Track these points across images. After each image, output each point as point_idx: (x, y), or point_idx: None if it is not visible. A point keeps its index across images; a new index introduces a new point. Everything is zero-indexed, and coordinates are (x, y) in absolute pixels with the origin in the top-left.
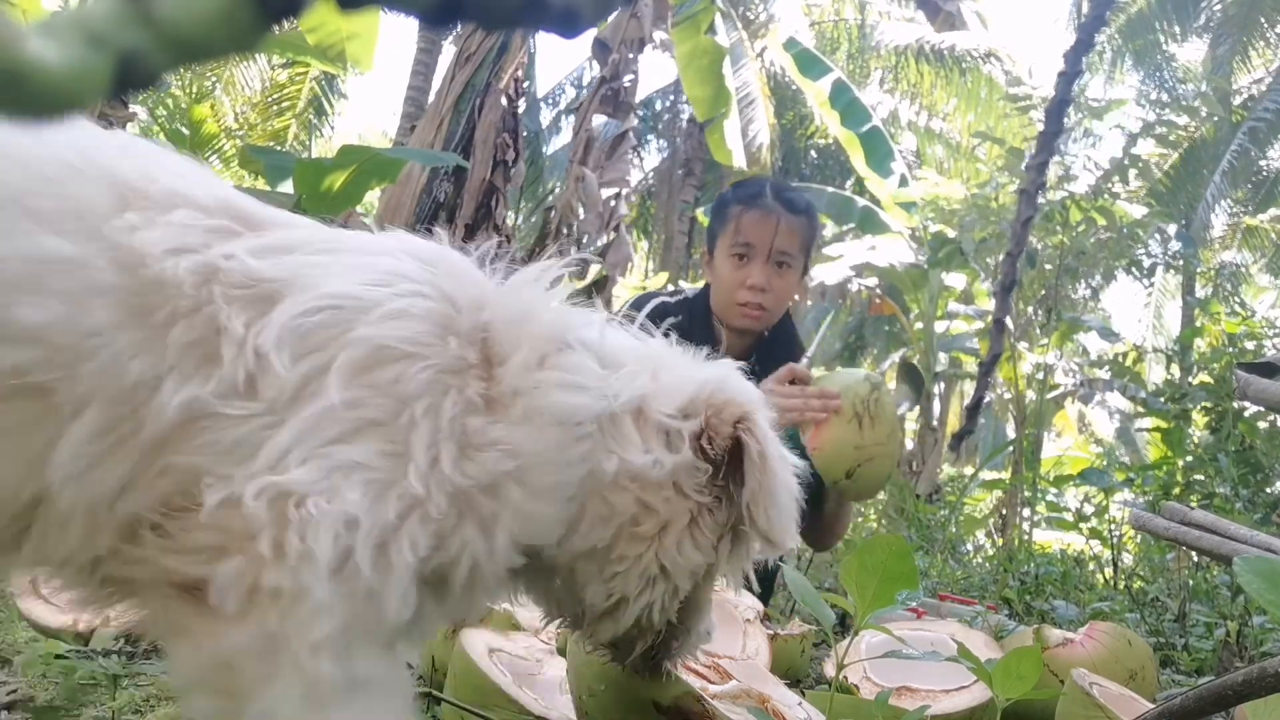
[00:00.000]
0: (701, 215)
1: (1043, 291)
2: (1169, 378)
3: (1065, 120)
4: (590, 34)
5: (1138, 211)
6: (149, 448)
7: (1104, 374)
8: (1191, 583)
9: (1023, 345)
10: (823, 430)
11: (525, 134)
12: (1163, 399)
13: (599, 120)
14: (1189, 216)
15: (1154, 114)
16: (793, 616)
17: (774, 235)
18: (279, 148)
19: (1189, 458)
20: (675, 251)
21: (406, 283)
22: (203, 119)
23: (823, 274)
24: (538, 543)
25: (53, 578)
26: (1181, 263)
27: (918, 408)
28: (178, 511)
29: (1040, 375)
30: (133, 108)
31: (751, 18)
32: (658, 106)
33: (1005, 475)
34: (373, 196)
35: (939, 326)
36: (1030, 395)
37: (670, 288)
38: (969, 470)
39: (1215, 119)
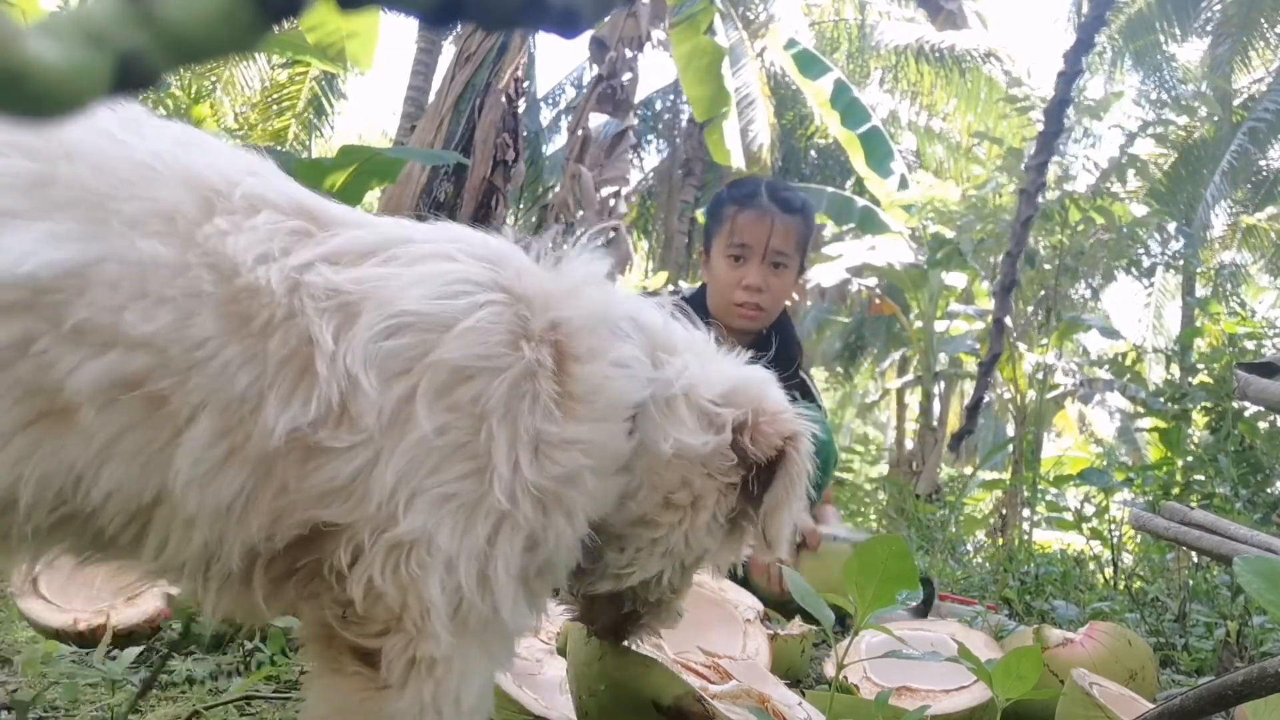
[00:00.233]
0: (701, 215)
1: (1042, 291)
2: (1169, 378)
3: (1065, 120)
4: (588, 33)
5: (1138, 211)
6: (260, 462)
7: (1104, 374)
8: (1191, 583)
9: (1023, 346)
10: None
11: (525, 134)
12: (1163, 399)
13: (597, 119)
14: (1189, 216)
15: (1153, 114)
16: (793, 616)
17: (769, 235)
18: (279, 148)
19: (1189, 458)
20: (675, 251)
21: (476, 291)
22: (202, 119)
23: (822, 274)
24: (601, 516)
25: (162, 577)
26: (1181, 263)
27: (919, 408)
28: (305, 555)
29: (1040, 375)
30: None
31: (751, 18)
32: (658, 106)
33: (1005, 475)
34: (373, 196)
35: (939, 326)
36: (1030, 395)
37: (670, 288)
38: (969, 470)
39: (1215, 119)
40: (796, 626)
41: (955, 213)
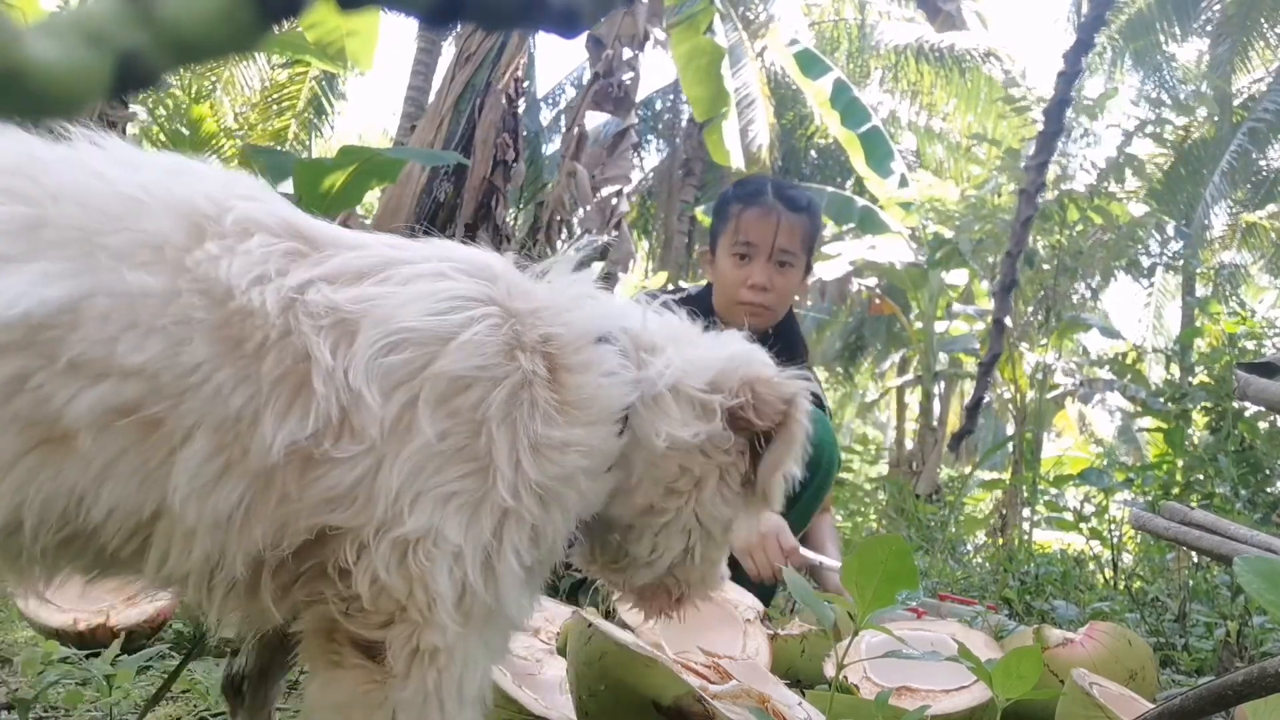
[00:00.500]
0: (702, 215)
1: (1041, 292)
2: (1169, 378)
3: (1065, 120)
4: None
5: (1137, 211)
6: (259, 475)
7: (1104, 374)
8: (1191, 583)
9: (1023, 346)
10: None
11: (525, 134)
12: (1163, 399)
13: (595, 117)
14: (1189, 216)
15: (1152, 113)
16: (793, 616)
17: (775, 234)
18: (279, 148)
19: (1189, 458)
20: (675, 251)
21: (471, 307)
22: (202, 118)
23: (822, 273)
24: (593, 513)
25: (167, 589)
26: (1181, 263)
27: (919, 408)
28: (310, 558)
29: (1040, 375)
30: (133, 108)
31: (751, 18)
32: (658, 106)
33: (1005, 475)
34: (373, 196)
35: (939, 326)
36: (1030, 395)
37: (670, 287)
38: (969, 470)
39: (1215, 119)
40: (796, 626)
41: (954, 213)
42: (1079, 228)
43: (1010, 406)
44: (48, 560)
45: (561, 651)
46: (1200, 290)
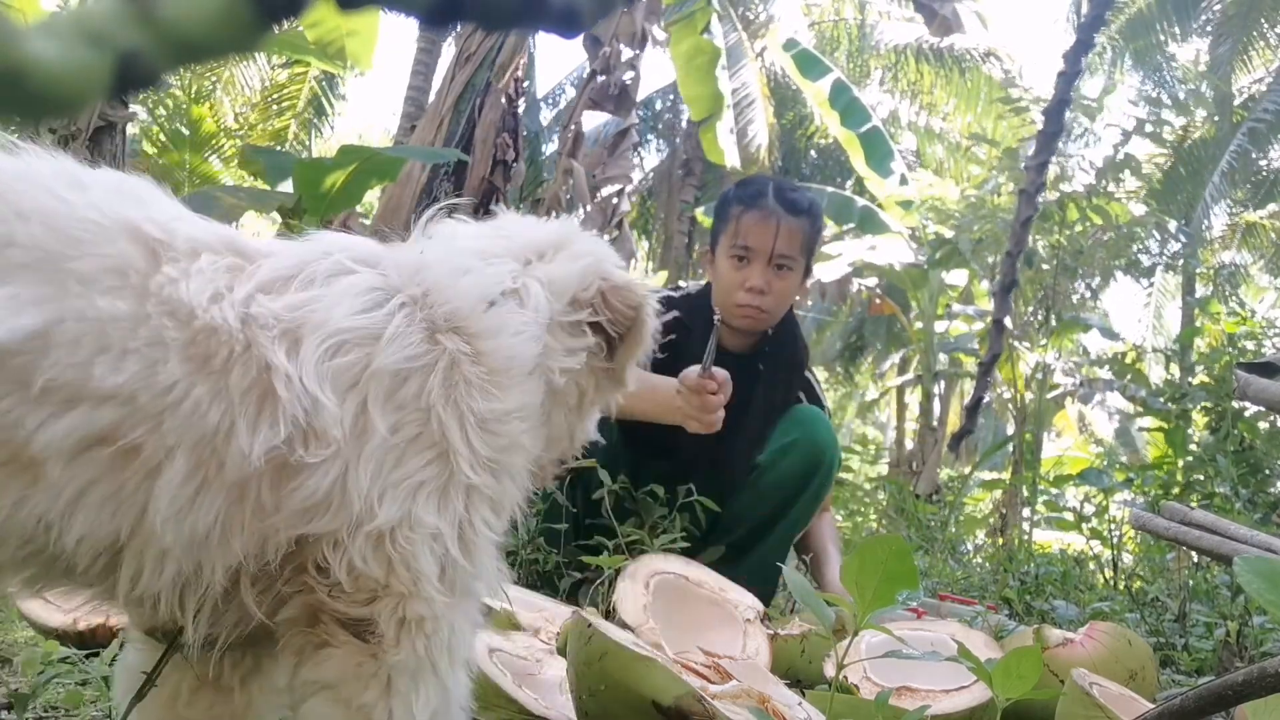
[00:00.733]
0: (702, 215)
1: (1041, 292)
2: (1169, 378)
3: (1065, 120)
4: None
5: (1137, 211)
6: (235, 487)
7: (1104, 374)
8: (1191, 583)
9: (1023, 346)
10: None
11: (525, 134)
12: (1163, 399)
13: (593, 116)
14: (1188, 216)
15: (1151, 113)
16: (793, 616)
17: (774, 239)
18: (279, 148)
19: (1189, 458)
20: (675, 251)
21: (384, 299)
22: (201, 118)
23: (822, 273)
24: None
25: (137, 606)
26: (1181, 263)
27: (919, 408)
28: (290, 562)
29: (1040, 375)
30: (133, 108)
31: (751, 18)
32: (658, 106)
33: (1005, 475)
34: (372, 196)
35: (939, 326)
36: (1030, 395)
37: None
38: (969, 470)
39: (1215, 119)
40: (796, 626)
41: (954, 212)
42: (1079, 228)
43: (1010, 406)
44: (12, 569)
45: (561, 651)
46: (1200, 290)
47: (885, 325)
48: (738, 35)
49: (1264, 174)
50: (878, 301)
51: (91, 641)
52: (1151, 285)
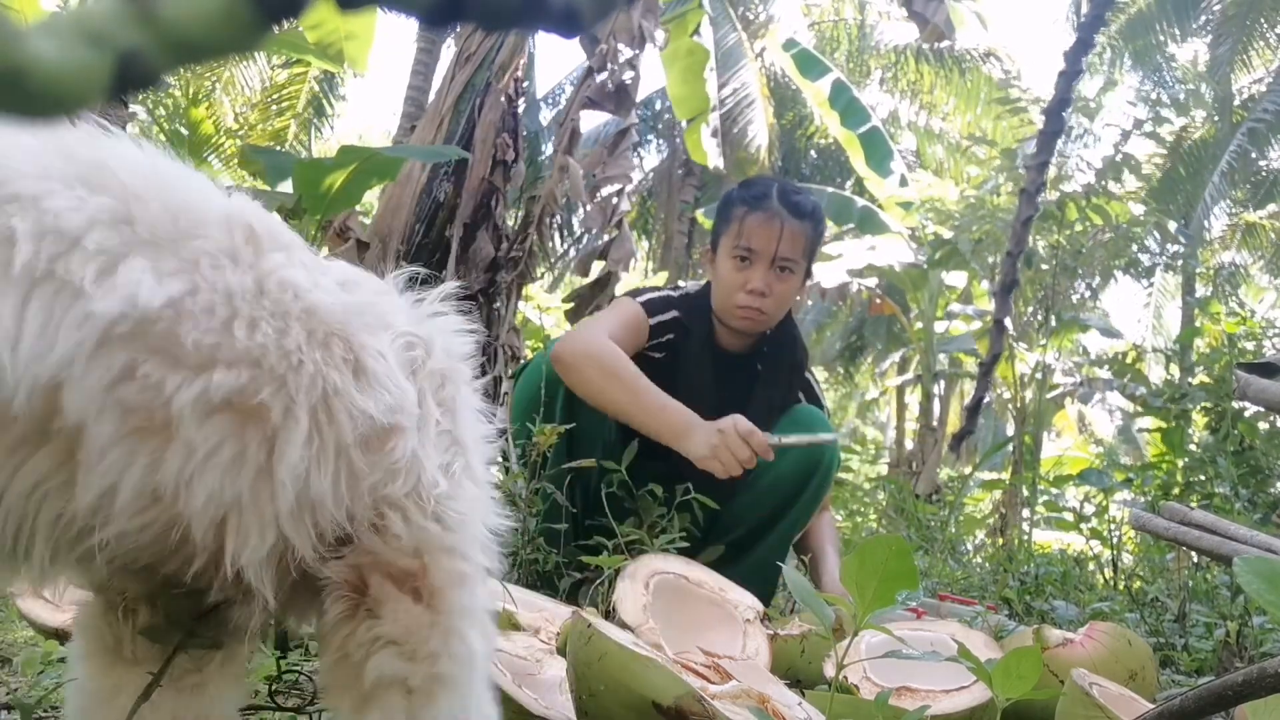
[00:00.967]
0: (702, 216)
1: (1041, 292)
2: (1169, 378)
3: (1065, 120)
4: None
5: (1136, 211)
6: (344, 450)
7: (1104, 374)
8: (1191, 583)
9: (1022, 346)
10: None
11: (525, 134)
12: (1162, 399)
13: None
14: (1188, 216)
15: (1150, 113)
16: (793, 616)
17: (778, 241)
18: (279, 148)
19: (1189, 458)
20: (675, 251)
21: (428, 317)
22: (199, 120)
23: (822, 273)
24: None
25: (239, 579)
26: (1181, 263)
27: (919, 408)
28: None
29: (1039, 375)
30: (133, 107)
31: (751, 18)
32: (658, 106)
33: (1005, 475)
34: (372, 196)
35: (939, 326)
36: (1029, 395)
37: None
38: (969, 470)
39: (1216, 119)
40: (796, 626)
41: (954, 213)
42: (1078, 227)
43: (1010, 406)
44: (134, 538)
45: (561, 651)
46: (1200, 290)
47: (885, 325)
48: (738, 35)
49: (1264, 174)
50: (878, 301)
51: None
52: (1151, 285)
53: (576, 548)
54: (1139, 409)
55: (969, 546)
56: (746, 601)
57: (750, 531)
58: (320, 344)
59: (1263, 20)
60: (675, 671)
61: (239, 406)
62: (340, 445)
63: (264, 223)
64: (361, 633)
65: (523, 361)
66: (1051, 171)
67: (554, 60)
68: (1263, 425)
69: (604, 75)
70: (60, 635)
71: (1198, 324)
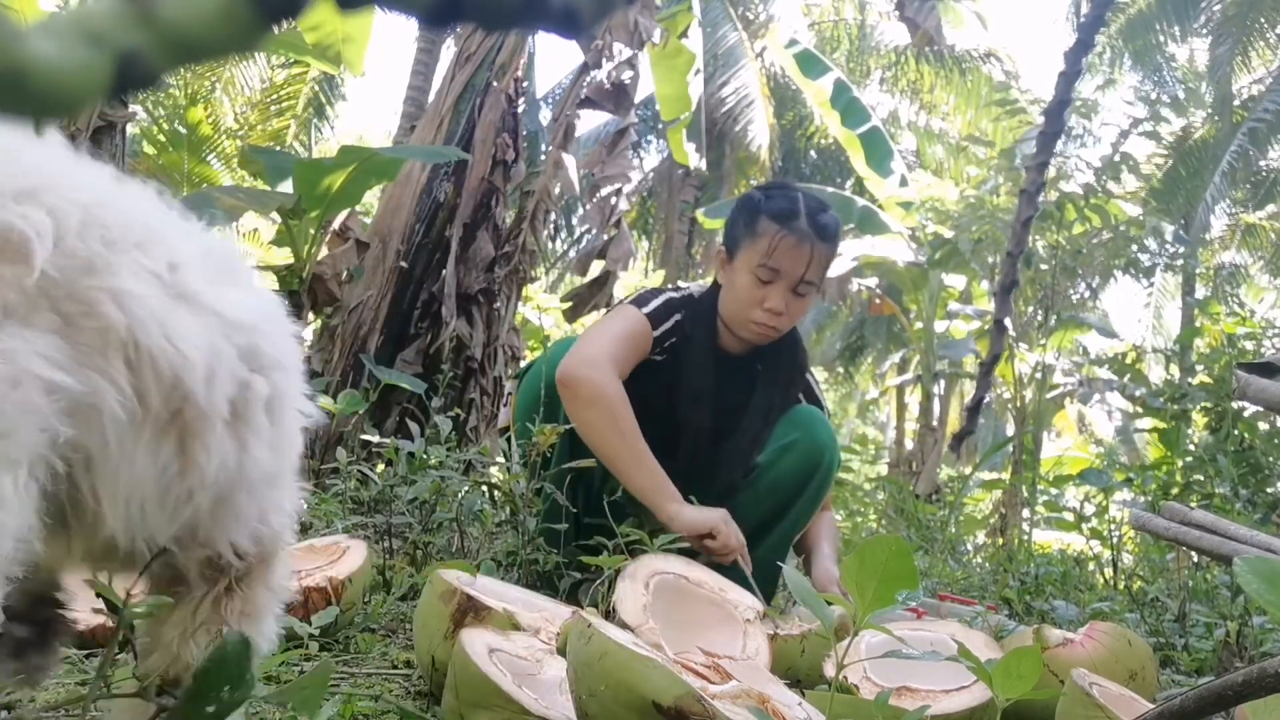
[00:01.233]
0: (702, 216)
1: (1041, 292)
2: (1169, 378)
3: (1065, 120)
4: None
5: (1134, 211)
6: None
7: (1104, 374)
8: (1191, 583)
9: (1022, 346)
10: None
11: (525, 134)
12: (1162, 399)
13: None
14: (1188, 216)
15: (1149, 113)
16: (791, 609)
17: (806, 266)
18: (279, 148)
19: (1189, 458)
20: (675, 251)
21: None
22: (198, 121)
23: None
24: None
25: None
26: (1181, 263)
27: (919, 408)
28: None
29: (1039, 375)
30: (132, 107)
31: (751, 18)
32: (657, 106)
33: (1005, 475)
34: (372, 196)
35: (939, 326)
36: (1028, 395)
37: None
38: (969, 470)
39: (1216, 118)
40: (796, 626)
41: (954, 213)
42: (1077, 228)
43: (1010, 406)
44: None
45: (561, 651)
46: (1200, 290)
47: (885, 325)
48: (738, 35)
49: (1264, 174)
50: (878, 301)
51: (91, 641)
52: (1151, 285)
53: (576, 548)
54: (1139, 409)
55: (969, 546)
56: (746, 601)
57: (750, 532)
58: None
59: (1263, 20)
60: (675, 671)
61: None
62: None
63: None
64: (175, 618)
65: (524, 362)
66: (1051, 172)
67: (554, 60)
68: (1263, 425)
69: (603, 74)
70: None
71: (1198, 324)
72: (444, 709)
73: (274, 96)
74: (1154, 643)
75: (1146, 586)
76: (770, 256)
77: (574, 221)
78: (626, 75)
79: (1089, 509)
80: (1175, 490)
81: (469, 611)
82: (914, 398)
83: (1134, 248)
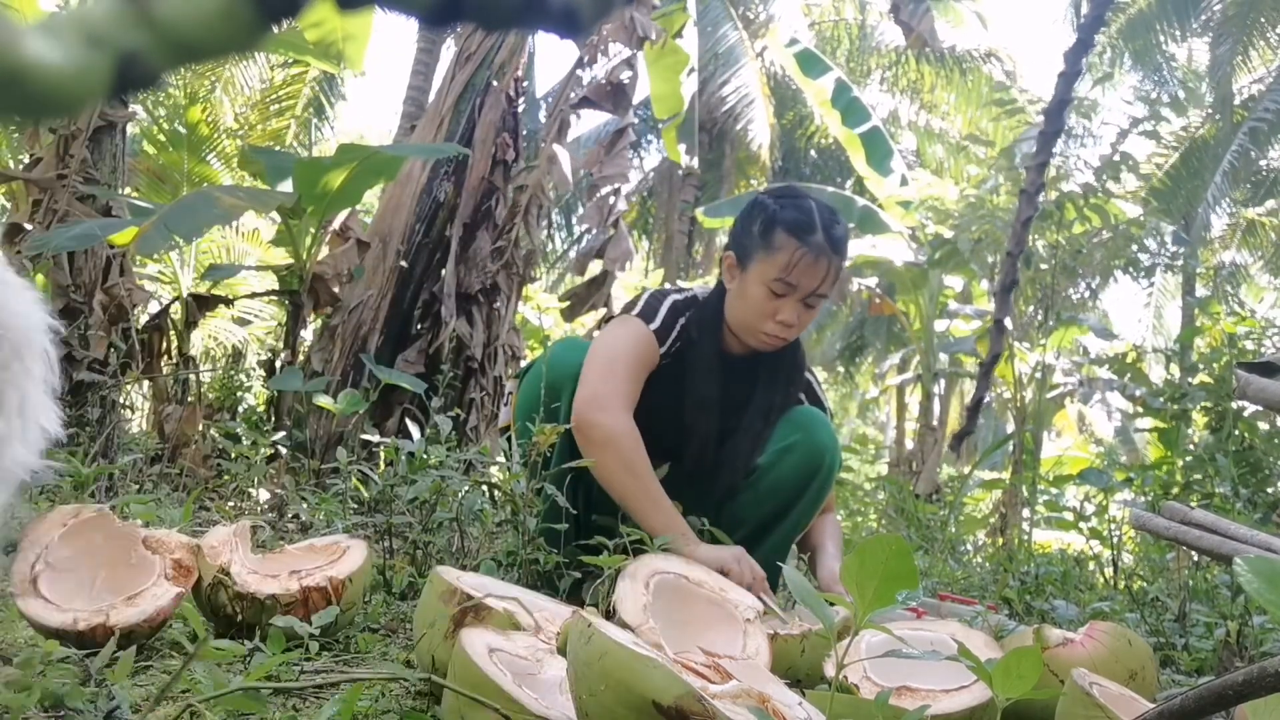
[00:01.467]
0: (702, 215)
1: (1041, 292)
2: (1169, 378)
3: (1065, 120)
4: None
5: (1134, 211)
6: None
7: (1104, 374)
8: (1191, 583)
9: (1023, 346)
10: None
11: (525, 134)
12: (1162, 399)
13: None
14: (1188, 216)
15: (1150, 112)
16: (791, 609)
17: (820, 282)
18: (279, 148)
19: (1189, 458)
20: (675, 251)
21: None
22: (197, 121)
23: None
24: None
25: None
26: (1181, 263)
27: (919, 408)
28: None
29: (1039, 375)
30: (132, 107)
31: (751, 17)
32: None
33: (1005, 475)
34: (372, 196)
35: (939, 326)
36: (1028, 395)
37: (668, 286)
38: (969, 470)
39: (1217, 118)
40: (796, 626)
41: (954, 212)
42: (1077, 227)
43: (1010, 406)
44: None
45: (561, 651)
46: (1200, 290)
47: (885, 325)
48: (738, 35)
49: (1264, 174)
50: (877, 301)
51: (91, 641)
52: (1151, 285)
53: (577, 548)
54: (1139, 409)
55: (969, 546)
56: (746, 601)
57: (751, 532)
58: None
59: (1263, 20)
60: (675, 671)
61: None
62: None
63: None
64: None
65: (524, 362)
66: (1051, 171)
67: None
68: (1263, 425)
69: (602, 74)
70: (60, 635)
71: (1198, 324)
72: (444, 709)
73: (274, 96)
74: (1154, 642)
75: (1146, 586)
76: (788, 273)
77: (573, 221)
78: (625, 75)
79: (1089, 509)
80: (1175, 490)
81: (469, 611)
82: (914, 397)
83: (1134, 247)
